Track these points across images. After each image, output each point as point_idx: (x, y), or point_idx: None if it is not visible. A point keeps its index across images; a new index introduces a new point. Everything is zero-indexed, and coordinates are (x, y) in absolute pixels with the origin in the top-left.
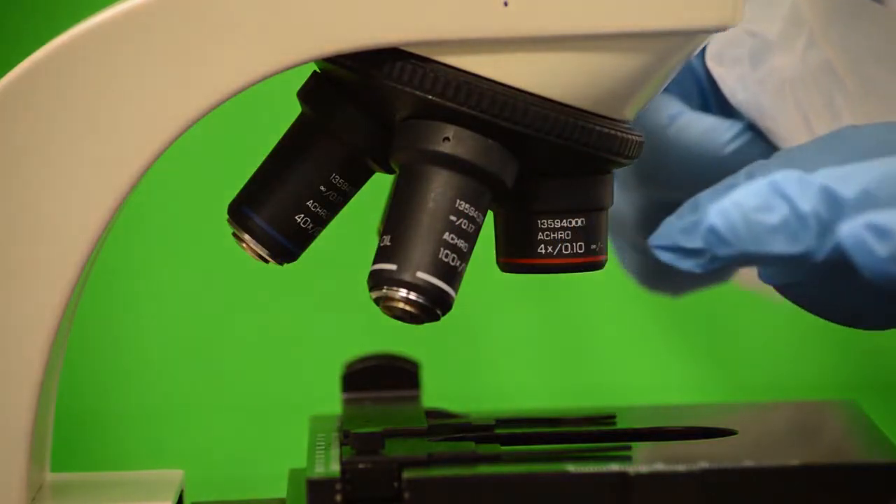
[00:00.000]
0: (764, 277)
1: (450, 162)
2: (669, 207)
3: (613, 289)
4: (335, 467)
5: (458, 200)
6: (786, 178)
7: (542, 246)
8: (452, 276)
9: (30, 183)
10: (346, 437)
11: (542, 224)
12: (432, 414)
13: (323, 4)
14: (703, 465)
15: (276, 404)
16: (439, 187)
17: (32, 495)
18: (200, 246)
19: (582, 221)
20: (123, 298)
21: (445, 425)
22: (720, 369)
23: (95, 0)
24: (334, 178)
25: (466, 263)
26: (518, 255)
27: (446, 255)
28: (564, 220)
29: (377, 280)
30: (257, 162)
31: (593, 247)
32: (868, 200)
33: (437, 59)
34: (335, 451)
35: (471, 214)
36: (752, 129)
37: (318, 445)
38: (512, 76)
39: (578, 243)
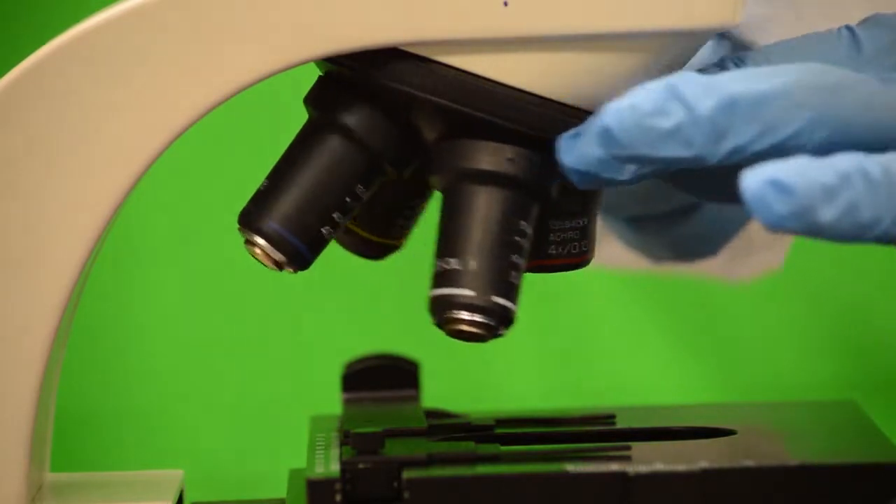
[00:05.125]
0: None
1: (514, 183)
2: None
3: (613, 289)
4: (335, 467)
5: (520, 221)
6: (685, 80)
7: (554, 247)
8: (517, 294)
9: (29, 183)
10: (346, 437)
11: (553, 225)
12: (432, 414)
13: (323, 4)
14: (703, 465)
15: (276, 404)
16: (504, 209)
17: (32, 495)
18: (200, 246)
19: (586, 220)
20: (123, 298)
21: (445, 425)
22: (720, 369)
23: (95, 0)
24: (358, 188)
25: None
26: (533, 257)
27: (513, 277)
28: (574, 221)
29: (447, 305)
30: (257, 162)
31: (591, 243)
32: (762, 106)
33: (436, 59)
34: (335, 451)
35: (528, 232)
36: None
37: (318, 445)
38: (512, 76)
39: (584, 241)
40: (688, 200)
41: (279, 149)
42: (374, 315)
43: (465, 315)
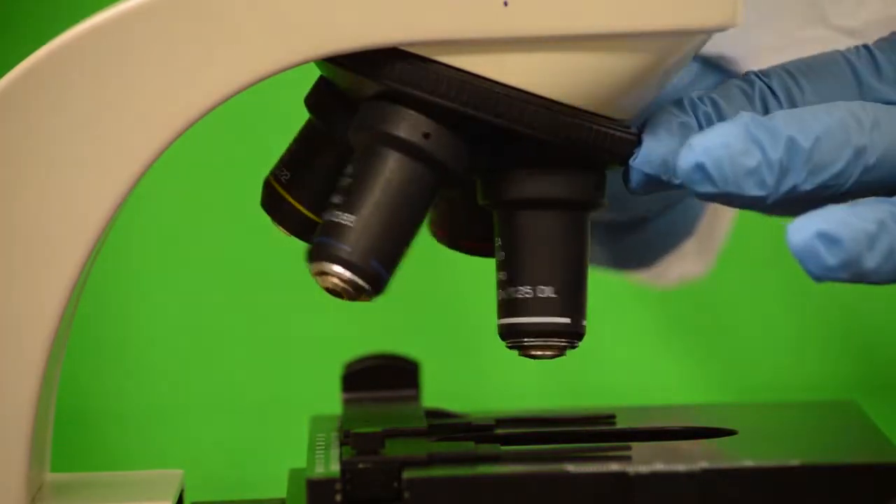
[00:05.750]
0: None
1: (580, 205)
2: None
3: (613, 289)
4: (335, 467)
5: (587, 239)
6: (754, 122)
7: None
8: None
9: (30, 183)
10: (346, 437)
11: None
12: (432, 414)
13: (323, 4)
14: (703, 465)
15: (276, 404)
16: (586, 231)
17: (32, 495)
18: (200, 246)
19: None
20: (123, 299)
21: (445, 425)
22: (720, 369)
23: (95, 0)
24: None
25: None
26: (485, 239)
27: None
28: None
29: (549, 332)
30: (258, 162)
31: None
32: (814, 148)
33: (436, 59)
34: (335, 451)
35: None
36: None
37: (318, 445)
38: (512, 76)
39: None
40: (641, 212)
41: (279, 149)
42: (373, 315)
43: (557, 342)
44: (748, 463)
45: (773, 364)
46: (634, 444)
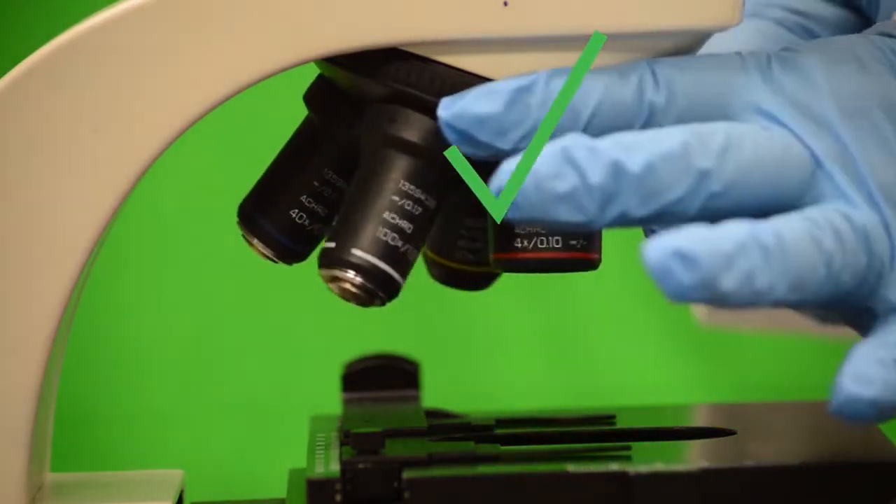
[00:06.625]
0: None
1: (395, 143)
2: None
3: (613, 288)
4: (335, 467)
5: (401, 181)
6: (575, 144)
7: (519, 240)
8: (393, 255)
9: (29, 183)
10: (346, 437)
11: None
12: (432, 414)
13: (323, 4)
14: (703, 465)
15: (276, 404)
16: (384, 168)
17: (32, 495)
18: (200, 246)
19: None
20: (123, 299)
21: (445, 425)
22: (720, 369)
23: (95, 0)
24: (327, 173)
25: (415, 246)
26: (500, 250)
27: (385, 234)
28: None
29: (321, 259)
30: (257, 162)
31: (573, 242)
32: (647, 173)
33: (436, 59)
34: (335, 451)
35: (416, 196)
36: None
37: (318, 445)
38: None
39: (555, 237)
40: None
41: (279, 149)
42: (373, 315)
43: (331, 270)
44: (748, 463)
45: (773, 364)
46: (634, 444)
